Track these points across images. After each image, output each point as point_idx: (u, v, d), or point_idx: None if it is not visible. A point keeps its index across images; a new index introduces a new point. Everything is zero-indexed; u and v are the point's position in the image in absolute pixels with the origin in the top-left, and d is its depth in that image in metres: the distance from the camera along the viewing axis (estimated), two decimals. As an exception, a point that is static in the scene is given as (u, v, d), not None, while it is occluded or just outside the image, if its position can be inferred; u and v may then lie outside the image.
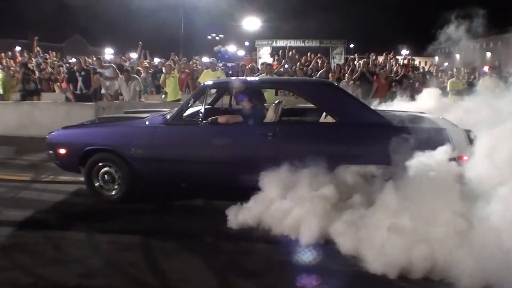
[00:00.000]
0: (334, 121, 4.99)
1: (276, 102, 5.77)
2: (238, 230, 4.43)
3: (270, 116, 5.37)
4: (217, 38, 40.83)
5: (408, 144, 4.26)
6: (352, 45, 32.75)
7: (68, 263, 3.80)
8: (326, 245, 4.02)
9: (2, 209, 5.13)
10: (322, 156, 4.48)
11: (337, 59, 19.61)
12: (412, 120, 5.23)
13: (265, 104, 5.89)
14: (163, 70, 10.91)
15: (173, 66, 11.31)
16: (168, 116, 5.30)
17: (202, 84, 5.64)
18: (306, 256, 3.89)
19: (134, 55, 14.51)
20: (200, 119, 5.03)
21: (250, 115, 5.26)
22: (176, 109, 5.39)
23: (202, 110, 5.04)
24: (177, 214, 5.06)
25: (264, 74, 10.30)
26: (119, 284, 3.45)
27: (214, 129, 5.08)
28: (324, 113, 5.56)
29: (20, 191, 5.88)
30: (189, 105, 5.24)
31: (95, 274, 3.59)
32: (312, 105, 5.49)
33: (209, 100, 5.85)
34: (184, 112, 5.22)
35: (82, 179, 5.51)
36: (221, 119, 5.08)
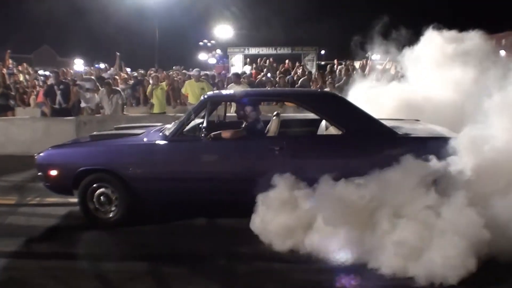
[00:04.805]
0: (339, 132, 4.87)
1: (275, 113, 5.62)
2: (250, 250, 4.21)
3: (273, 129, 5.21)
4: (208, 44, 40.97)
5: (417, 154, 4.20)
6: (323, 51, 32.89)
7: (75, 297, 3.51)
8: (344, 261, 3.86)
9: (-10, 237, 4.76)
10: (332, 169, 4.35)
11: (309, 66, 19.52)
12: (415, 129, 5.17)
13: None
14: (150, 81, 10.56)
15: (159, 77, 10.97)
16: (167, 132, 5.06)
17: (204, 97, 5.35)
18: (326, 274, 3.72)
19: (102, 66, 14.14)
20: (202, 135, 4.81)
21: (253, 129, 5.09)
22: (176, 124, 5.15)
23: (205, 125, 4.83)
24: (182, 235, 4.79)
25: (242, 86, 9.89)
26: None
27: (219, 145, 4.86)
28: (324, 124, 5.45)
29: (7, 216, 5.48)
30: (189, 120, 5.00)
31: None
32: (308, 116, 5.37)
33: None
34: (185, 127, 4.98)
35: (71, 200, 5.20)
36: (225, 134, 4.86)
